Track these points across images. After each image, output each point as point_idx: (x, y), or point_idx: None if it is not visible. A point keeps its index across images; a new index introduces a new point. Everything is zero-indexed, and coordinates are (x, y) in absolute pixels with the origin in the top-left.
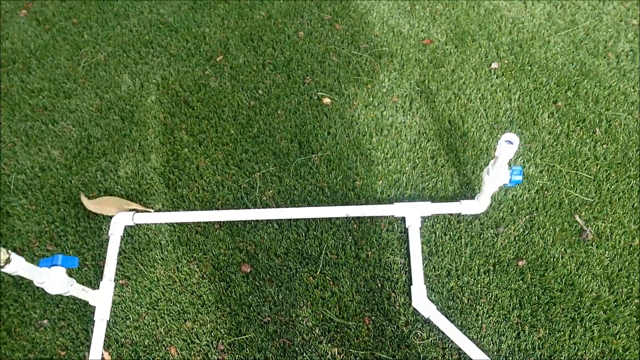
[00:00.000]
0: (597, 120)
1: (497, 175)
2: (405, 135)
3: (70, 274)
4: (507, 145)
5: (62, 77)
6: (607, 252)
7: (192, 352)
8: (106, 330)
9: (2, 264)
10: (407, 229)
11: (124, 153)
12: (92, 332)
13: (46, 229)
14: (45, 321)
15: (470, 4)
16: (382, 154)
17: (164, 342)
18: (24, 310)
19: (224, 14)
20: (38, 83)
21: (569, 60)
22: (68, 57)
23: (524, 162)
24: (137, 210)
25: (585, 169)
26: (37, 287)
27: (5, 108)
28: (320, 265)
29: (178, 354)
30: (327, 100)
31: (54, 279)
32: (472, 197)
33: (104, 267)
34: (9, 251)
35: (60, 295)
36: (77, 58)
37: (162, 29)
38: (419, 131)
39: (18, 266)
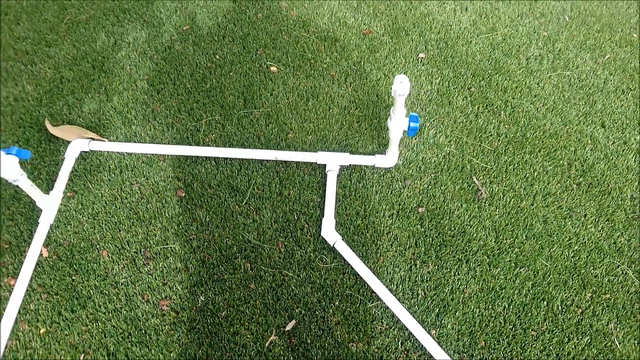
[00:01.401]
0: (504, 106)
1: (397, 120)
2: (338, 102)
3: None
4: (400, 84)
5: (46, 30)
6: (497, 210)
7: (121, 256)
8: (48, 232)
9: None
10: (326, 173)
11: (90, 94)
12: (35, 232)
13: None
14: None
15: (408, 6)
16: (315, 115)
17: (97, 246)
18: None
19: None
20: (24, 32)
21: (485, 57)
22: (54, 15)
23: (436, 132)
24: (93, 139)
25: (488, 143)
26: None
27: None
28: (247, 198)
29: (109, 257)
30: (274, 69)
31: (7, 164)
32: None
33: (56, 180)
34: None
35: (11, 186)
36: (62, 16)
37: (140, 0)
38: (349, 100)
39: None
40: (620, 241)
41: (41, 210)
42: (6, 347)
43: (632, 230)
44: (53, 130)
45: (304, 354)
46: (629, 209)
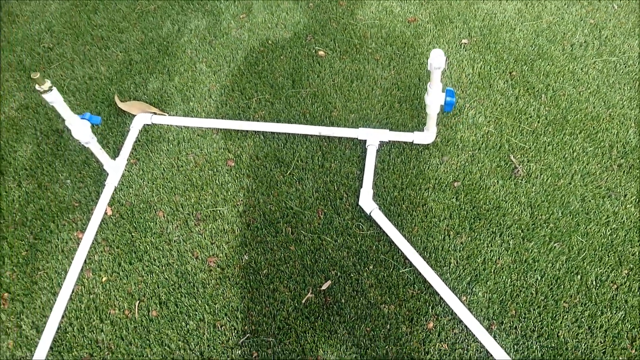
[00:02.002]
0: (545, 89)
1: (434, 94)
2: (381, 84)
3: None
4: (436, 58)
5: (120, 18)
6: (534, 187)
7: (175, 217)
8: (112, 193)
9: (45, 89)
10: (366, 148)
11: (155, 74)
12: (101, 193)
13: None
14: (68, 181)
15: None
16: (359, 95)
17: (154, 207)
18: (54, 172)
19: None
20: (100, 21)
21: (529, 44)
22: (127, 6)
23: (475, 113)
24: (155, 113)
25: (527, 124)
26: (68, 158)
27: (72, 36)
28: (291, 169)
29: (164, 217)
30: (321, 53)
31: (80, 126)
32: None
33: (121, 149)
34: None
35: (83, 153)
36: (134, 6)
37: None
38: (392, 82)
39: (56, 98)
40: None
41: (107, 174)
42: (73, 291)
43: None
44: (121, 104)
45: (337, 312)
46: None
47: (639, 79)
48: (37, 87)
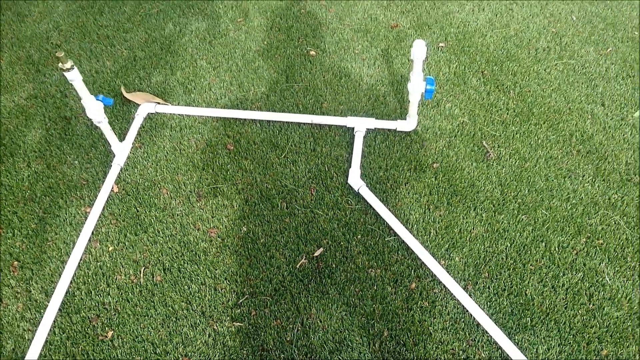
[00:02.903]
0: (513, 86)
1: (416, 82)
2: (366, 80)
3: None
4: (417, 48)
5: (124, 20)
6: (504, 169)
7: (178, 194)
8: (119, 173)
9: (67, 67)
10: (354, 134)
11: (158, 69)
12: (108, 172)
13: None
14: (76, 162)
15: (432, 6)
16: (347, 90)
17: (158, 185)
18: (63, 154)
19: None
20: (106, 21)
21: (499, 48)
22: (131, 8)
23: (451, 106)
24: (159, 103)
25: (498, 115)
26: (76, 142)
27: (79, 34)
28: (285, 152)
29: (168, 194)
30: (312, 53)
31: (94, 106)
32: None
33: (127, 133)
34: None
35: (92, 134)
36: (138, 9)
37: None
38: (377, 79)
39: (76, 77)
40: (615, 197)
41: (114, 156)
42: (81, 259)
43: (625, 189)
44: (126, 94)
45: (329, 276)
46: (624, 172)
47: (594, 78)
48: (60, 65)
